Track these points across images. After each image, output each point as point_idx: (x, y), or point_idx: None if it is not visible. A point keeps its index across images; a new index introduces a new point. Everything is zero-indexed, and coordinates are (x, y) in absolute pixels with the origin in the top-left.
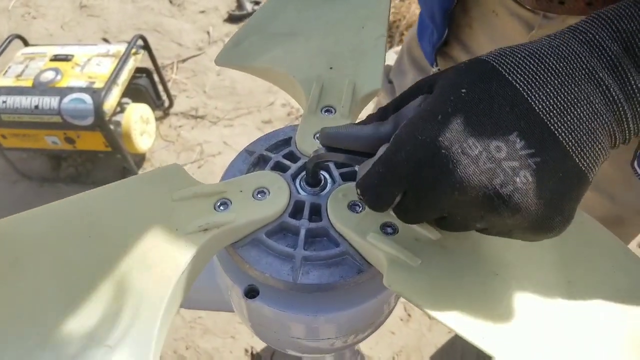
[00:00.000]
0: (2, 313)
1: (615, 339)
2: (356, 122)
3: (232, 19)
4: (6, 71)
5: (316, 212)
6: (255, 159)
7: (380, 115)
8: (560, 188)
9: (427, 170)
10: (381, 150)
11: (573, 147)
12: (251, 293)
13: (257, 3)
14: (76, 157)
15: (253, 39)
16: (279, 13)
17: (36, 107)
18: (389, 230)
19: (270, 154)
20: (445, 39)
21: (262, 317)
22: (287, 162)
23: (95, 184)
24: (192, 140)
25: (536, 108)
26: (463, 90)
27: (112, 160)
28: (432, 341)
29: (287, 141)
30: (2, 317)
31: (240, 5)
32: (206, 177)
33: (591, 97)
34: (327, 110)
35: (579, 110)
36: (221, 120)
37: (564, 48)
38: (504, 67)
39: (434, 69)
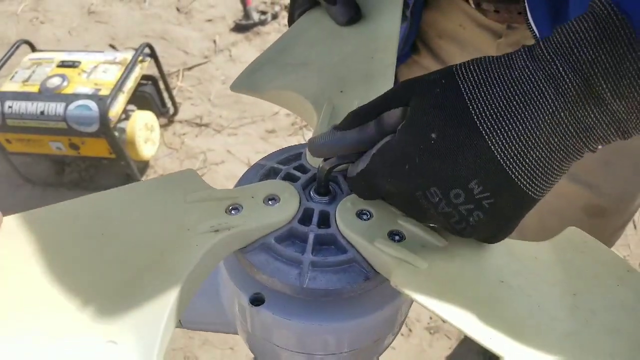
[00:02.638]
0: (11, 307)
1: (619, 345)
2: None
3: (238, 28)
4: (13, 76)
5: (325, 221)
6: (267, 170)
7: (362, 119)
8: (510, 215)
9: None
10: (364, 161)
11: (528, 186)
12: (257, 301)
13: (263, 13)
14: (80, 162)
15: (267, 68)
16: (292, 47)
17: (42, 112)
18: (396, 237)
19: (282, 166)
20: (414, 49)
21: (265, 329)
22: (298, 173)
23: (98, 190)
24: (196, 148)
25: (498, 157)
26: (433, 136)
27: (116, 167)
28: (432, 356)
29: (298, 156)
30: (11, 311)
31: (246, 15)
32: None
33: (550, 138)
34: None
35: (537, 152)
36: (225, 129)
37: (532, 87)
38: (475, 105)
39: None
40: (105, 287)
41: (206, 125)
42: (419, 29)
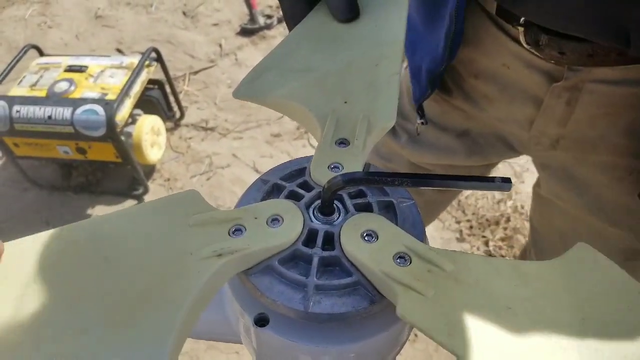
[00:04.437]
0: (10, 337)
1: None
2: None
3: (244, 32)
4: (21, 81)
5: (329, 241)
6: (270, 187)
7: None
8: None
9: None
10: None
11: None
12: (261, 322)
13: (269, 17)
14: (87, 166)
15: (269, 74)
16: (294, 52)
17: (49, 117)
18: (402, 261)
19: (285, 183)
20: (442, 88)
21: (271, 348)
22: (301, 191)
23: (105, 194)
24: (202, 152)
25: None
26: None
27: (122, 171)
28: None
29: (301, 171)
30: (10, 341)
31: (252, 19)
32: (215, 189)
33: None
34: (341, 143)
35: None
36: (231, 133)
37: None
38: None
39: (418, 122)
40: (107, 317)
41: (212, 129)
42: (453, 68)
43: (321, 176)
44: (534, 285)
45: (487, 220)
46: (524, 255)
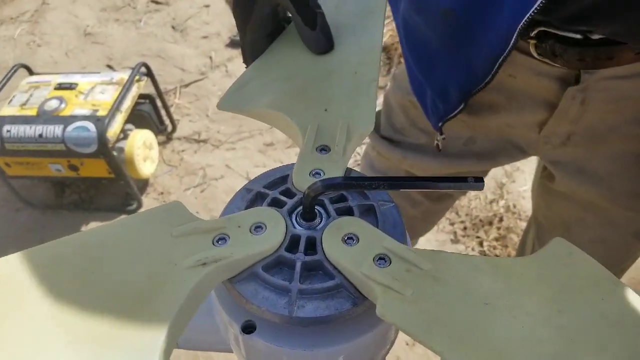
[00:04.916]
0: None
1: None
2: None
3: (233, 44)
4: (11, 100)
5: (311, 246)
6: (253, 195)
7: None
8: None
9: None
10: None
11: None
12: (248, 329)
13: None
14: (79, 183)
15: (252, 85)
16: (277, 62)
17: (40, 135)
18: (382, 262)
19: (268, 191)
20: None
21: (259, 354)
22: (284, 198)
23: (99, 210)
24: (195, 164)
25: None
26: None
27: (116, 187)
28: None
29: (284, 179)
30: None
31: None
32: (209, 201)
33: None
34: (322, 150)
35: None
36: (223, 144)
37: None
38: None
39: (440, 138)
40: (94, 329)
41: (204, 141)
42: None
43: (303, 183)
44: (511, 281)
45: (480, 220)
46: (522, 253)
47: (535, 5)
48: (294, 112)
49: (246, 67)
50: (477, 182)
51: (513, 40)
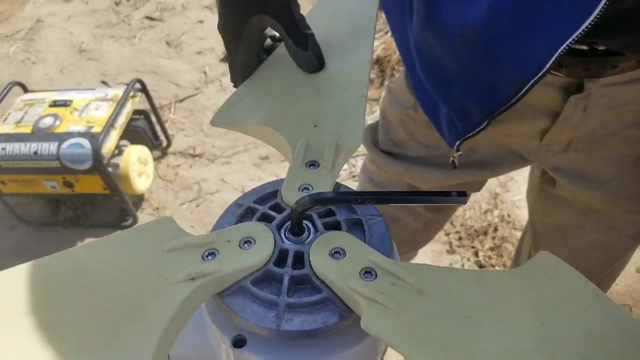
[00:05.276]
0: None
1: None
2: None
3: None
4: (6, 118)
5: (299, 260)
6: (244, 210)
7: None
8: None
9: None
10: None
11: None
12: (239, 343)
13: None
14: (75, 200)
15: (244, 102)
16: (268, 80)
17: (35, 152)
18: (368, 276)
19: (258, 205)
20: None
21: None
22: (273, 213)
23: (94, 227)
24: (190, 179)
25: None
26: None
27: (111, 203)
28: None
29: (274, 194)
30: None
31: None
32: (204, 216)
33: None
34: (311, 165)
35: None
36: (219, 158)
37: None
38: None
39: (456, 155)
40: (86, 343)
41: (200, 155)
42: None
43: (292, 197)
44: (495, 294)
45: (475, 230)
46: (517, 261)
47: (579, 31)
48: (284, 128)
49: (234, 86)
50: (460, 196)
51: (549, 64)
